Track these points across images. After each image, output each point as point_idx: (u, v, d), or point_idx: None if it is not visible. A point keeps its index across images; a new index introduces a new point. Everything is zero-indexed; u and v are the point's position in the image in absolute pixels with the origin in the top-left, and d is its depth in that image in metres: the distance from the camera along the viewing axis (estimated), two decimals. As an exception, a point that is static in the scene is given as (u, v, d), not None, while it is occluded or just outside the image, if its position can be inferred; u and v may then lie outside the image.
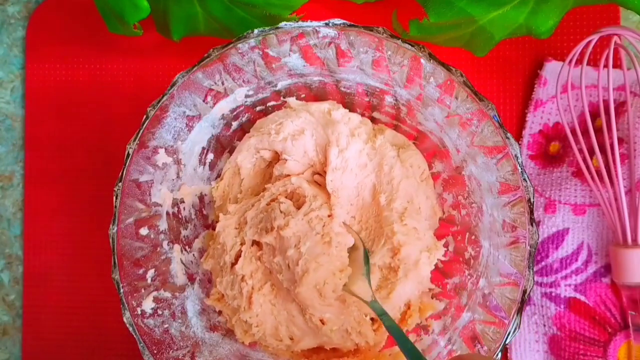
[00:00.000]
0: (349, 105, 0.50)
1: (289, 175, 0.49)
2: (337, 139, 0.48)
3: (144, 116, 0.45)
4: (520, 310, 0.42)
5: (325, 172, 0.48)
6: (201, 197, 0.52)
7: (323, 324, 0.47)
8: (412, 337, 0.50)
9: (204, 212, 0.52)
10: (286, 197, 0.48)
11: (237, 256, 0.48)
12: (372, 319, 0.49)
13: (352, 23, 0.42)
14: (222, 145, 0.51)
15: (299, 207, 0.48)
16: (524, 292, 0.41)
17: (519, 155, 0.42)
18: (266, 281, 0.48)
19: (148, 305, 0.46)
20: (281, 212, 0.47)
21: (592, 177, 0.50)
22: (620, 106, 0.52)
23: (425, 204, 0.50)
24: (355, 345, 0.49)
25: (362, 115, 0.51)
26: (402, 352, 0.40)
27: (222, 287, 0.49)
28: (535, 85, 0.54)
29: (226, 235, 0.49)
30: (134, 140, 0.44)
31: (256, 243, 0.48)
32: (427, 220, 0.50)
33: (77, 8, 0.59)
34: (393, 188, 0.48)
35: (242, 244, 0.48)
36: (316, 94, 0.50)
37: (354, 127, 0.49)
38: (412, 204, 0.49)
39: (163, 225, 0.48)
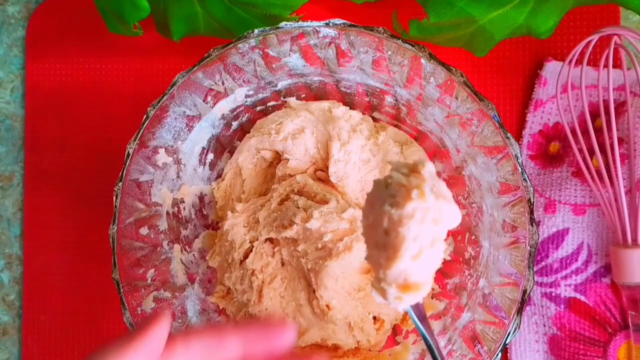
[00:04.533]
0: (349, 105, 0.50)
1: (292, 175, 0.49)
2: (338, 133, 0.48)
3: (144, 116, 0.45)
4: (520, 310, 0.42)
5: (327, 167, 0.48)
6: (201, 197, 0.52)
7: (329, 309, 0.47)
8: (412, 337, 0.50)
9: (204, 212, 0.52)
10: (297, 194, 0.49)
11: (247, 252, 0.49)
12: (374, 317, 0.49)
13: (352, 23, 0.43)
14: (222, 145, 0.51)
15: (317, 202, 0.48)
16: (524, 292, 0.42)
17: (519, 155, 0.42)
18: (276, 275, 0.48)
19: (148, 305, 0.46)
20: (299, 207, 0.47)
21: (592, 177, 0.50)
22: (620, 106, 0.52)
23: (429, 202, 0.50)
24: (357, 342, 0.49)
25: (363, 114, 0.51)
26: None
27: (231, 283, 0.49)
28: (535, 85, 0.54)
29: (235, 233, 0.49)
30: (134, 140, 0.44)
31: (269, 240, 0.49)
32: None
33: (77, 8, 0.59)
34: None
35: (251, 241, 0.49)
36: (316, 94, 0.50)
37: (355, 124, 0.49)
38: None
39: (163, 225, 0.48)
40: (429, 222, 0.29)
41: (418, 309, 0.33)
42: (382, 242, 0.30)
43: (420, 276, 0.30)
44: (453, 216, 0.30)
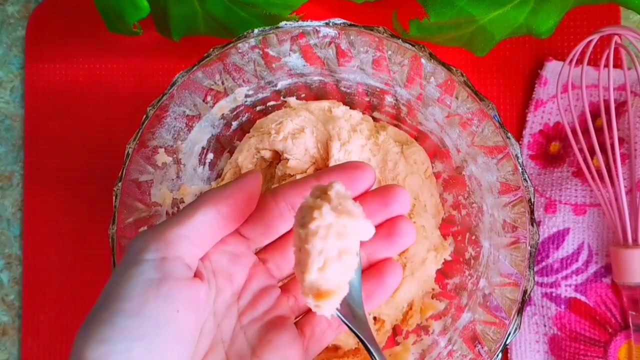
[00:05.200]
0: (349, 105, 0.50)
1: (292, 175, 0.49)
2: (338, 133, 0.48)
3: (144, 116, 0.45)
4: (520, 311, 0.41)
5: (327, 167, 0.48)
6: (201, 197, 0.52)
7: None
8: (412, 338, 0.50)
9: (204, 212, 0.52)
10: None
11: None
12: (374, 318, 0.49)
13: (352, 23, 0.42)
14: (222, 145, 0.51)
15: None
16: (525, 292, 0.41)
17: (519, 155, 0.42)
18: None
19: (148, 305, 0.45)
20: None
21: (593, 177, 0.50)
22: (621, 106, 0.52)
23: (430, 202, 0.50)
24: (357, 343, 0.49)
25: (363, 114, 0.51)
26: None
27: None
28: (536, 85, 0.54)
29: None
30: (134, 140, 0.44)
31: None
32: (433, 218, 0.50)
33: (77, 8, 0.59)
34: (399, 184, 0.48)
35: None
36: (316, 94, 0.50)
37: (356, 124, 0.49)
38: (419, 201, 0.49)
39: (163, 225, 0.48)
40: (333, 237, 0.32)
41: (347, 311, 0.36)
42: (297, 259, 0.34)
43: (330, 284, 0.32)
44: (360, 231, 0.33)
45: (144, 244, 0.34)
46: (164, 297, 0.33)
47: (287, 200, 0.38)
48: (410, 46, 0.42)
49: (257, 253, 0.40)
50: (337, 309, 0.34)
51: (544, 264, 0.52)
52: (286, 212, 0.38)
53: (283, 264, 0.40)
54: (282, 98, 0.50)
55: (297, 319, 0.40)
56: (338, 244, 0.32)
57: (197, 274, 0.35)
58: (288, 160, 0.49)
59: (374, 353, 0.37)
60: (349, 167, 0.38)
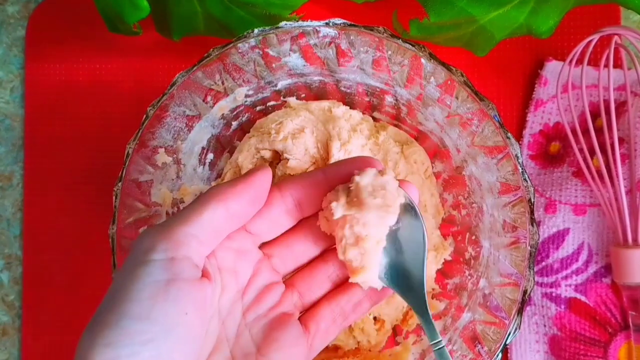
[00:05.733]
0: (349, 105, 0.50)
1: (292, 175, 0.49)
2: (338, 133, 0.48)
3: (144, 116, 0.45)
4: (520, 311, 0.41)
5: None
6: (201, 197, 0.52)
7: None
8: (412, 338, 0.50)
9: (204, 212, 0.52)
10: None
11: None
12: (375, 318, 0.49)
13: (352, 23, 0.42)
14: (222, 145, 0.51)
15: None
16: (525, 292, 0.41)
17: (519, 155, 0.42)
18: None
19: (148, 305, 0.45)
20: None
21: (593, 177, 0.50)
22: (621, 106, 0.52)
23: (430, 202, 0.50)
24: (357, 343, 0.49)
25: (363, 114, 0.51)
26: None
27: None
28: (536, 85, 0.54)
29: None
30: (134, 140, 0.44)
31: None
32: (433, 218, 0.50)
33: (77, 8, 0.59)
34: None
35: None
36: (316, 94, 0.50)
37: (356, 124, 0.49)
38: (419, 201, 0.49)
39: (163, 225, 0.48)
40: (348, 228, 0.36)
41: (401, 283, 0.38)
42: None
43: (356, 264, 0.36)
44: (374, 222, 0.36)
45: (152, 243, 0.33)
46: (173, 299, 0.32)
47: (294, 195, 0.38)
48: (410, 46, 0.42)
49: (261, 247, 0.39)
50: (384, 280, 0.37)
51: (544, 264, 0.52)
52: (292, 207, 0.38)
53: (288, 258, 0.39)
54: (282, 98, 0.50)
55: (301, 315, 0.40)
56: (354, 233, 0.36)
57: (204, 273, 0.35)
58: (288, 160, 0.49)
59: (427, 328, 0.38)
60: (358, 162, 0.38)
